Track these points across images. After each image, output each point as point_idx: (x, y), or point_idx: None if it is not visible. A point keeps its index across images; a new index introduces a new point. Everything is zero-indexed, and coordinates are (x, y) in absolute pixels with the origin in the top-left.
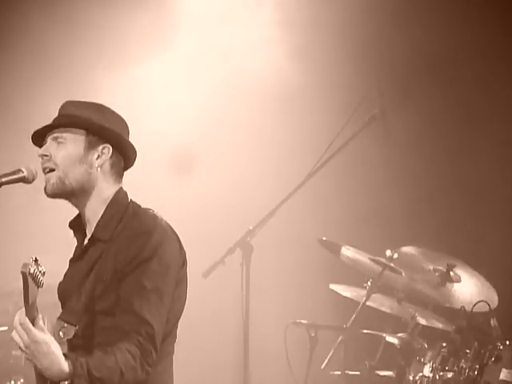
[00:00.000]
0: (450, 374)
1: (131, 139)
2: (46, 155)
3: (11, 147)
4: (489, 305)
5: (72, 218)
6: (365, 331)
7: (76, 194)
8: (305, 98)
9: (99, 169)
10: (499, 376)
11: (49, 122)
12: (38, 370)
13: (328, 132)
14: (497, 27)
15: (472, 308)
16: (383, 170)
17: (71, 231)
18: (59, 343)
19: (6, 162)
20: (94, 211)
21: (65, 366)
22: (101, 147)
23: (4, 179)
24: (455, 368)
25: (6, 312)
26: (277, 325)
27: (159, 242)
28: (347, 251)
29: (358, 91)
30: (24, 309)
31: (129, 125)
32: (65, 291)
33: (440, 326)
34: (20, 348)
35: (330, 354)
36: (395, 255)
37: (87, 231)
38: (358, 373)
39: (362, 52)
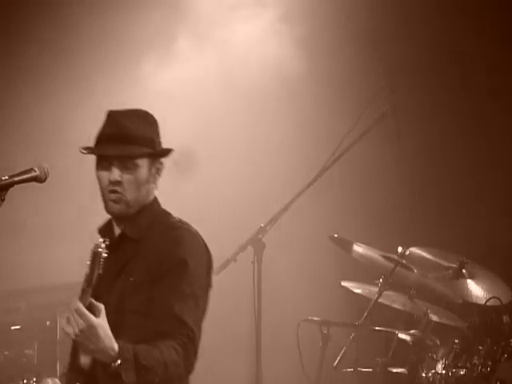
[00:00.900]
0: (462, 371)
1: None
2: (118, 181)
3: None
4: (501, 301)
5: (102, 224)
6: (377, 328)
7: (134, 214)
8: (316, 95)
9: (155, 184)
10: None
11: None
12: (86, 352)
13: (340, 129)
14: (505, 19)
15: (485, 303)
16: (395, 167)
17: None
18: None
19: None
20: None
21: (116, 347)
22: (158, 164)
23: (16, 178)
24: (468, 365)
25: (18, 311)
26: (289, 322)
27: (193, 247)
28: (359, 248)
29: (367, 88)
30: (80, 294)
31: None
32: (94, 289)
33: (452, 322)
34: (71, 333)
35: (343, 351)
36: (407, 252)
37: (116, 232)
38: (370, 370)
39: (370, 48)
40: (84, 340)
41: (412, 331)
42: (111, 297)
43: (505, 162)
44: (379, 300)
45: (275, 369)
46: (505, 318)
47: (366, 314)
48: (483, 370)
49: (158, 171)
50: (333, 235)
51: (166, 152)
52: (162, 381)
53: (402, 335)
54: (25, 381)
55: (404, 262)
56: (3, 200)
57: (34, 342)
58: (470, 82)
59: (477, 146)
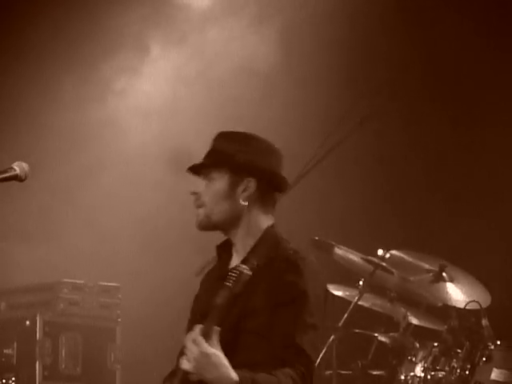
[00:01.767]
0: (441, 374)
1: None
2: (196, 193)
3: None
4: (480, 305)
5: (220, 242)
6: (357, 330)
7: (222, 227)
8: (299, 96)
9: (245, 202)
10: (490, 376)
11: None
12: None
13: (320, 131)
14: (497, 23)
15: (464, 307)
16: (376, 169)
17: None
18: None
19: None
20: (243, 241)
21: (235, 376)
22: (245, 181)
23: None
24: (446, 368)
25: None
26: None
27: (312, 278)
28: (339, 251)
29: (351, 89)
30: (204, 325)
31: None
32: (208, 305)
33: (432, 325)
34: (186, 362)
35: (322, 353)
36: (387, 255)
37: (234, 257)
38: (350, 372)
39: (356, 48)
40: (199, 369)
41: (391, 334)
42: (230, 315)
43: (482, 164)
44: (359, 302)
45: None
46: (484, 322)
47: (345, 316)
48: (462, 373)
49: (248, 189)
50: (313, 238)
51: (242, 165)
52: None
53: (381, 338)
54: (3, 381)
55: (384, 264)
56: None
57: (13, 341)
58: (458, 86)
59: (457, 149)
